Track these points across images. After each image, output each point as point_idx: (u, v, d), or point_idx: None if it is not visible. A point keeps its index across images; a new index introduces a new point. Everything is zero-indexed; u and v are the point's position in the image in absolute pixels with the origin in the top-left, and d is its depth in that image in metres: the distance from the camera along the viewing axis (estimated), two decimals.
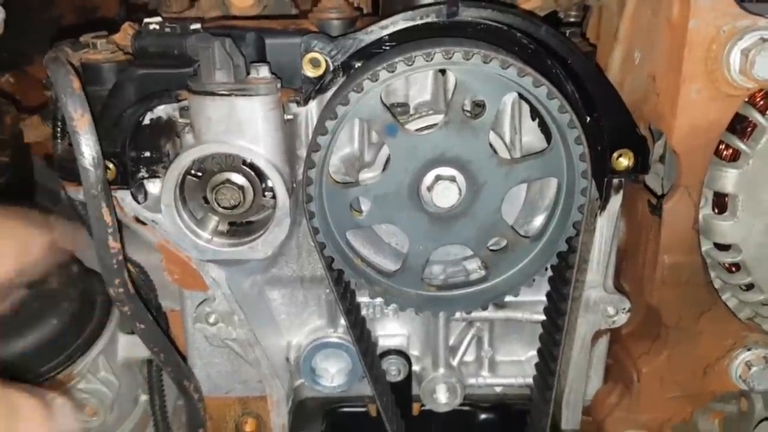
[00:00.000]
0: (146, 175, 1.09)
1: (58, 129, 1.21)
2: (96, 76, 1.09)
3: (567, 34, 1.21)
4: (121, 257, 1.04)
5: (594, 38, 1.32)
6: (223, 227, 1.12)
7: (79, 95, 0.99)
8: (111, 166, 1.06)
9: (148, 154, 1.08)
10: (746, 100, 1.03)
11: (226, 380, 1.33)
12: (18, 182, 1.59)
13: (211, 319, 1.19)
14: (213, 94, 0.98)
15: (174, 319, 1.36)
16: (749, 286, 1.15)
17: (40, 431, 0.71)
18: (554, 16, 1.31)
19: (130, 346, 1.35)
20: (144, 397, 1.43)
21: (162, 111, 1.08)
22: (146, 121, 1.09)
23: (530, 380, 1.35)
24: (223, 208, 1.06)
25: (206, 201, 1.07)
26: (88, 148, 0.98)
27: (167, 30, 1.04)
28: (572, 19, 1.34)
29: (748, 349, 1.18)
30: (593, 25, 1.34)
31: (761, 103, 1.04)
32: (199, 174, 1.07)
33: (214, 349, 1.31)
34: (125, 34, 1.10)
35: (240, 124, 1.00)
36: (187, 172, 1.06)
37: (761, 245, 1.09)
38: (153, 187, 1.11)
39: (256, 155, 1.02)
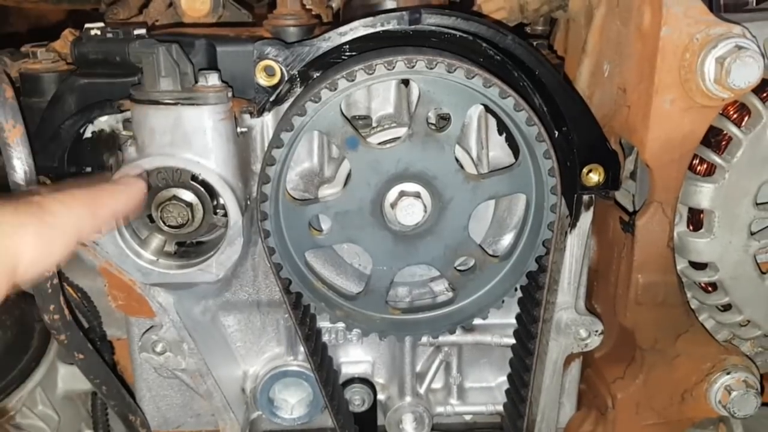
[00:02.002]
0: None
1: None
2: (35, 86, 1.03)
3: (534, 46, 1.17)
4: (56, 281, 0.97)
5: (561, 52, 1.29)
6: (170, 248, 1.05)
7: (11, 105, 0.92)
8: (48, 181, 0.99)
9: (89, 169, 1.02)
10: (720, 112, 1.00)
11: (177, 414, 1.26)
12: None
13: (158, 348, 1.11)
14: (157, 102, 0.92)
15: (121, 348, 1.28)
16: (727, 307, 1.11)
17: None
18: (521, 29, 1.28)
19: (72, 378, 1.26)
20: None
21: (104, 123, 1.02)
22: (87, 134, 1.02)
23: (501, 408, 1.30)
24: (170, 226, 0.99)
25: (151, 219, 1.00)
26: (19, 162, 0.91)
27: (109, 36, 0.97)
28: (539, 32, 1.31)
29: (728, 373, 1.14)
30: (560, 39, 1.31)
31: (736, 115, 1.01)
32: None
33: (164, 381, 1.24)
34: (66, 41, 1.03)
35: (187, 135, 0.93)
36: None
37: (738, 263, 1.06)
38: None
39: (205, 169, 0.96)
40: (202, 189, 1.00)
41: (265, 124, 1.04)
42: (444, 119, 1.07)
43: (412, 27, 0.98)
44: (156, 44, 0.92)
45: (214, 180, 0.97)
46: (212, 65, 1.00)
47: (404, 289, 1.19)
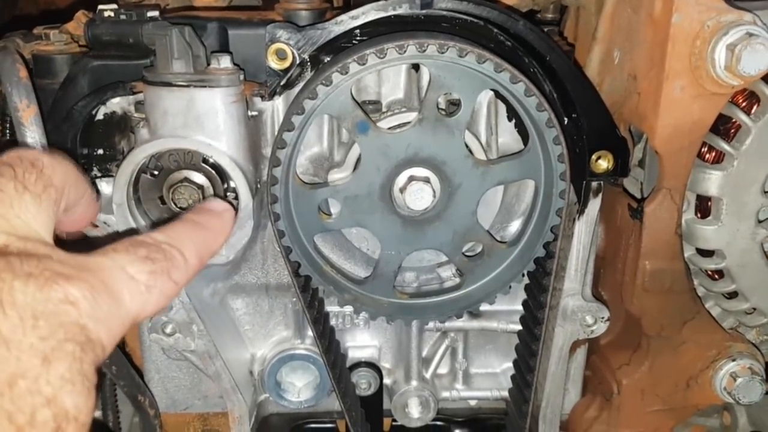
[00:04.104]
0: (98, 174, 1.03)
1: (7, 124, 1.15)
2: (47, 68, 1.04)
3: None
4: None
5: (572, 39, 1.29)
6: None
7: (25, 85, 0.93)
8: None
9: (100, 151, 1.03)
10: (730, 100, 1.00)
11: (185, 395, 1.27)
12: None
13: (168, 330, 1.12)
14: (170, 84, 0.92)
15: (129, 331, 1.29)
16: (733, 294, 1.12)
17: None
18: (531, 16, 1.28)
19: None
20: (96, 413, 1.34)
21: (117, 105, 1.02)
22: (100, 116, 1.03)
23: (506, 393, 1.31)
24: (181, 208, 0.99)
25: (162, 201, 1.01)
26: (33, 141, 0.92)
27: (122, 17, 0.97)
28: (549, 19, 1.31)
29: (733, 360, 1.15)
30: (570, 27, 1.31)
31: (745, 103, 1.01)
32: (156, 172, 1.00)
33: (172, 362, 1.25)
34: (78, 23, 1.04)
35: (199, 117, 0.94)
36: (142, 170, 1.00)
37: (745, 251, 1.06)
38: (106, 186, 1.04)
39: (216, 152, 0.96)
40: (213, 172, 1.00)
41: (276, 107, 1.05)
42: (454, 105, 1.07)
43: (424, 11, 0.99)
44: (169, 26, 0.92)
45: (225, 162, 0.97)
46: (224, 48, 1.00)
47: (412, 274, 1.19)
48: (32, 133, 0.90)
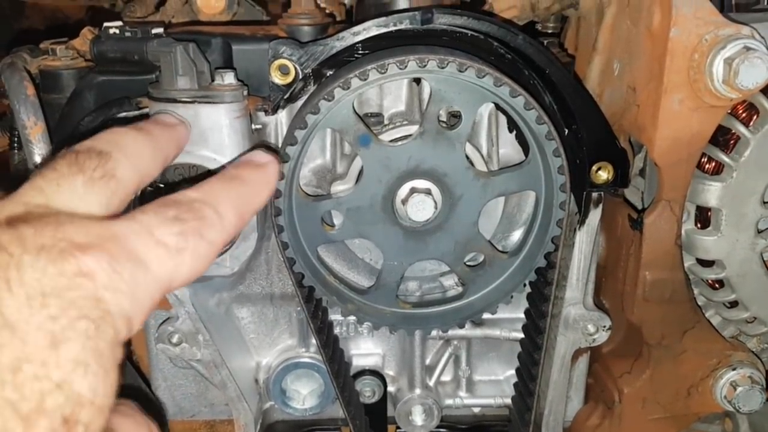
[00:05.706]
0: None
1: (15, 139, 1.17)
2: (54, 83, 1.05)
3: (545, 44, 1.18)
4: None
5: (572, 50, 1.30)
6: None
7: (32, 102, 0.95)
8: None
9: None
10: (729, 111, 1.01)
11: (192, 403, 1.29)
12: None
13: (174, 339, 1.14)
14: (175, 101, 0.93)
15: (137, 339, 1.31)
16: (733, 304, 1.12)
17: None
18: (532, 27, 1.29)
19: None
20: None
21: (123, 120, 1.03)
22: None
23: (509, 401, 1.32)
24: None
25: None
26: (40, 158, 0.93)
27: (127, 34, 0.99)
28: (550, 30, 1.31)
29: (733, 369, 1.15)
30: (571, 37, 1.32)
31: (744, 114, 1.02)
32: (161, 185, 1.01)
33: (179, 371, 1.26)
34: (84, 40, 1.05)
35: (204, 132, 0.95)
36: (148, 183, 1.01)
37: (745, 261, 1.07)
38: None
39: (221, 166, 0.97)
40: None
41: (279, 121, 1.06)
42: (455, 117, 1.08)
43: (424, 26, 1.00)
44: (173, 43, 0.93)
45: None
46: (228, 63, 1.02)
47: (414, 284, 1.20)
48: (40, 149, 0.92)
